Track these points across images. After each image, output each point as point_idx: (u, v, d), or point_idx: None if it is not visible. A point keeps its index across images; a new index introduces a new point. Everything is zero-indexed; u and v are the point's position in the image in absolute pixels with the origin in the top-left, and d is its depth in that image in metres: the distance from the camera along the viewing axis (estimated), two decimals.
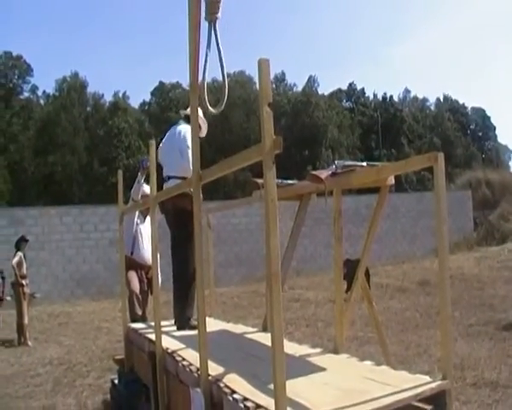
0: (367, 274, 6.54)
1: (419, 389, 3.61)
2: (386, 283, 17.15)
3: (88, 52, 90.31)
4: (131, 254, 8.61)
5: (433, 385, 3.68)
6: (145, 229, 8.59)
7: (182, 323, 6.72)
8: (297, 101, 61.73)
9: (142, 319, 8.29)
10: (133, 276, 8.49)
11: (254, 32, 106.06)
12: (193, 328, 6.13)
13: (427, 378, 3.88)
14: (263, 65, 3.02)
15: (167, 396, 5.29)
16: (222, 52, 4.39)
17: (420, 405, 3.63)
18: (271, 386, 3.05)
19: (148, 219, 7.99)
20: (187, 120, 7.12)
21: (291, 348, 5.21)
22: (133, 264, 8.53)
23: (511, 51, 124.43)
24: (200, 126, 6.24)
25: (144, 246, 8.61)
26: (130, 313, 8.28)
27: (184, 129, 6.90)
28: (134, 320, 8.11)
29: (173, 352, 5.27)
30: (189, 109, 7.26)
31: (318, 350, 5.29)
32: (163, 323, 5.80)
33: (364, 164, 5.19)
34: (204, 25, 4.33)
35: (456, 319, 10.49)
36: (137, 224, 8.75)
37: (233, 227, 21.84)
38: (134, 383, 6.61)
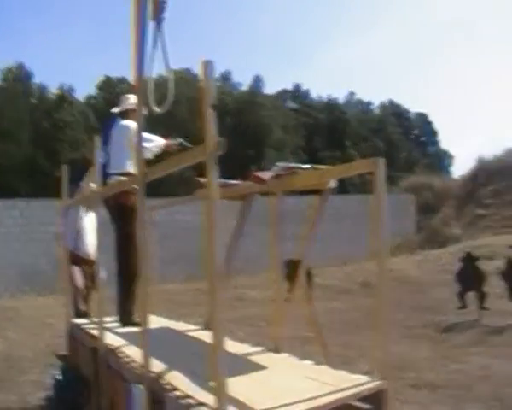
0: (310, 275, 6.58)
1: (358, 389, 3.69)
2: (329, 283, 17.27)
3: (34, 43, 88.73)
4: (75, 248, 8.58)
5: (372, 385, 3.77)
6: (89, 224, 8.54)
7: (125, 319, 6.74)
8: (242, 100, 61.58)
9: (86, 314, 8.25)
10: (77, 271, 8.45)
11: (202, 30, 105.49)
12: (135, 325, 6.15)
13: (366, 378, 3.97)
14: (206, 67, 3.08)
15: (109, 393, 5.29)
16: (168, 53, 4.41)
17: (359, 404, 3.71)
18: (213, 384, 3.10)
19: (92, 214, 7.98)
20: (122, 116, 7.18)
21: (232, 346, 5.25)
22: (77, 258, 8.49)
23: (454, 60, 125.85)
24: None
25: (88, 241, 8.54)
26: (73, 308, 8.24)
27: (127, 125, 6.91)
28: (78, 316, 8.06)
29: (116, 348, 5.29)
30: (122, 106, 7.32)
31: (259, 349, 5.35)
32: (106, 319, 5.81)
33: (307, 166, 5.26)
34: (150, 23, 4.36)
35: (397, 321, 10.61)
36: (82, 218, 8.69)
37: (177, 224, 21.69)
38: (76, 379, 6.57)
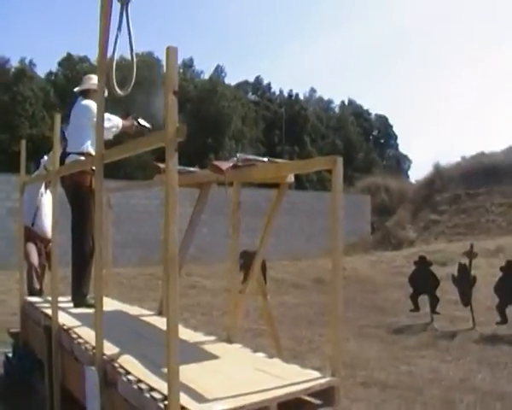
0: (263, 267, 6.60)
1: (309, 384, 3.70)
2: (282, 278, 17.32)
3: None
4: (32, 225, 8.50)
5: (323, 381, 3.78)
6: (48, 201, 8.46)
7: (78, 300, 6.69)
8: (203, 88, 61.37)
9: (40, 292, 8.18)
10: (32, 248, 8.38)
11: (167, 15, 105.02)
12: (89, 306, 6.11)
13: (318, 374, 3.97)
14: (171, 53, 3.05)
15: (62, 373, 5.26)
16: (132, 36, 4.38)
17: (309, 399, 3.72)
18: (165, 370, 3.10)
19: (49, 193, 7.92)
20: (84, 95, 7.12)
21: (186, 334, 5.26)
22: (33, 235, 8.43)
23: (415, 65, 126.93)
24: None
25: (46, 218, 8.46)
26: (27, 285, 8.17)
27: (87, 105, 6.85)
28: (31, 294, 8.00)
29: (69, 329, 5.26)
30: (83, 86, 7.25)
31: (212, 338, 5.34)
32: (60, 299, 5.75)
33: (266, 159, 5.26)
34: (116, 5, 4.31)
35: (349, 319, 10.67)
36: (42, 195, 8.62)
37: (132, 208, 21.58)
38: (28, 357, 6.53)
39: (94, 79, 6.93)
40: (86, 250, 6.60)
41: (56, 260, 5.62)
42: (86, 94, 7.15)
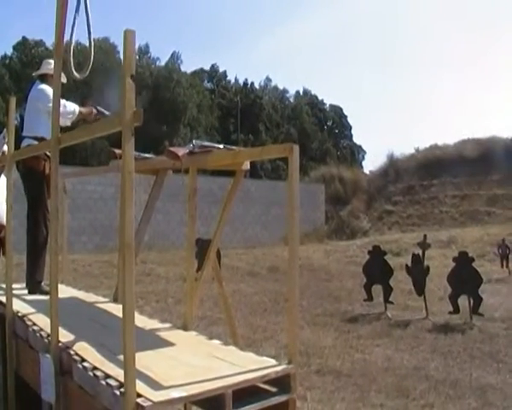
0: (218, 255, 6.61)
1: (265, 371, 3.69)
2: (237, 266, 17.38)
3: None
4: None
5: (279, 369, 3.77)
6: (1, 187, 8.35)
7: (33, 287, 6.60)
8: (159, 75, 61.12)
9: None
10: None
11: (123, 0, 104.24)
12: (44, 293, 6.07)
13: (273, 361, 3.97)
14: (128, 36, 3.02)
15: (16, 361, 5.19)
16: (90, 18, 4.33)
17: (265, 386, 3.72)
18: (121, 357, 3.08)
19: (4, 177, 7.79)
20: (41, 80, 7.03)
21: (141, 321, 5.22)
22: None
23: (369, 55, 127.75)
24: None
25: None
26: None
27: (43, 89, 6.77)
28: None
29: (24, 316, 5.18)
30: (41, 70, 7.15)
31: (168, 325, 5.32)
32: (14, 286, 5.68)
33: (221, 146, 5.25)
34: None
35: (304, 308, 10.75)
36: None
37: (88, 194, 21.44)
38: None
39: (52, 64, 6.85)
40: (41, 237, 6.51)
41: (11, 247, 5.55)
42: (44, 78, 7.07)
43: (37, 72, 7.30)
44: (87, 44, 4.58)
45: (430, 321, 9.98)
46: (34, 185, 6.57)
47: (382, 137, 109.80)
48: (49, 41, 51.55)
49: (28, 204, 6.79)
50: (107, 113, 7.17)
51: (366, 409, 5.84)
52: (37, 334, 4.59)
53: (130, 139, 3.00)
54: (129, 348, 2.96)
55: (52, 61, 6.74)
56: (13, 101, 5.64)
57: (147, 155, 6.26)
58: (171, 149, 5.30)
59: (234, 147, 5.44)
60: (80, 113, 7.06)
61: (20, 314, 5.25)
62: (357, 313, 10.93)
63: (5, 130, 7.75)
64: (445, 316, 10.01)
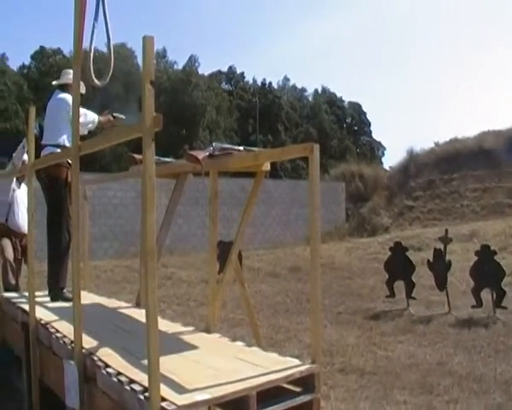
0: (239, 257, 6.64)
1: (289, 372, 3.72)
2: (258, 267, 17.32)
3: None
4: (6, 220, 8.46)
5: (303, 368, 3.80)
6: (21, 196, 8.41)
7: (55, 294, 6.65)
8: (177, 79, 61.10)
9: (16, 288, 8.14)
10: (7, 243, 8.33)
11: (139, 6, 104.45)
12: (67, 300, 6.13)
13: (297, 361, 4.00)
14: (147, 42, 3.05)
15: (40, 368, 5.23)
16: (109, 26, 4.35)
17: (289, 387, 3.73)
18: (145, 362, 3.12)
19: (24, 187, 7.86)
20: (61, 89, 7.08)
21: (164, 325, 5.28)
22: (7, 231, 8.38)
23: (386, 52, 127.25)
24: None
25: (19, 213, 8.42)
26: (3, 281, 8.12)
27: (64, 98, 6.81)
28: (7, 289, 7.94)
29: (47, 323, 5.23)
30: (62, 80, 7.19)
31: (191, 329, 5.37)
32: (37, 293, 5.73)
33: (241, 148, 5.27)
34: None
35: (326, 307, 10.72)
36: (14, 190, 8.55)
37: (108, 200, 21.45)
38: (6, 353, 6.49)
39: (69, 74, 6.87)
40: (63, 244, 6.55)
41: (33, 255, 5.59)
42: (64, 88, 7.11)
43: (57, 81, 7.34)
44: (105, 51, 4.61)
45: (453, 316, 9.90)
46: (56, 193, 6.61)
47: (402, 132, 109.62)
48: (67, 49, 51.78)
49: (49, 212, 6.84)
50: (122, 116, 7.21)
51: (390, 407, 5.81)
52: (61, 341, 4.64)
53: (150, 145, 3.04)
54: (153, 352, 2.99)
55: (71, 71, 6.75)
56: (32, 111, 5.68)
57: (167, 160, 6.29)
58: (191, 152, 5.32)
59: (254, 148, 5.45)
60: (99, 122, 7.11)
61: (43, 322, 5.29)
62: (379, 310, 10.87)
63: (25, 139, 7.83)
64: (468, 310, 9.92)
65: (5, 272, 8.21)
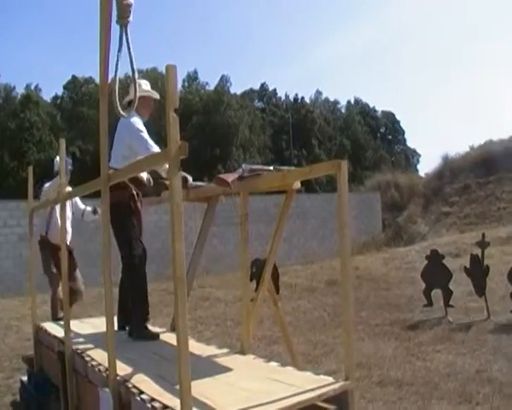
0: (276, 274, 6.66)
1: (322, 390, 3.72)
2: (295, 282, 17.27)
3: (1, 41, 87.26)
4: (46, 233, 8.59)
5: (336, 386, 3.81)
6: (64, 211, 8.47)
7: (137, 332, 6.17)
8: (209, 99, 61.40)
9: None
10: (56, 274, 8.45)
11: (170, 30, 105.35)
12: (151, 337, 6.00)
13: (331, 379, 4.00)
14: (170, 71, 3.09)
15: (77, 396, 5.30)
16: (133, 56, 4.41)
17: (324, 405, 3.74)
18: (178, 387, 3.14)
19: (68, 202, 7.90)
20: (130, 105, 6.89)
21: (198, 348, 5.31)
22: (47, 243, 8.51)
23: (419, 58, 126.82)
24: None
25: (58, 226, 8.35)
26: (52, 313, 8.23)
27: (132, 122, 6.17)
28: (56, 319, 8.02)
29: (82, 352, 5.29)
30: (129, 96, 6.69)
31: (225, 351, 5.39)
32: (73, 322, 5.80)
33: (271, 168, 5.30)
34: (115, 27, 4.33)
35: (363, 319, 10.72)
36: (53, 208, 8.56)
37: (145, 224, 21.53)
38: (44, 383, 6.55)
39: (143, 85, 6.48)
40: (141, 273, 6.36)
41: (67, 290, 5.67)
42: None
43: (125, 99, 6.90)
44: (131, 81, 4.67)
45: (492, 322, 9.81)
46: (121, 218, 6.04)
47: (437, 138, 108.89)
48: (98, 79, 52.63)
49: (117, 240, 6.33)
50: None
51: None
52: (96, 369, 4.69)
53: (176, 172, 3.06)
54: (184, 377, 3.01)
55: (142, 82, 6.43)
56: (62, 142, 5.75)
57: (198, 183, 6.27)
58: (221, 176, 5.36)
59: (283, 167, 5.47)
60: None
61: (78, 351, 5.36)
62: (417, 320, 10.80)
63: (47, 185, 7.95)
64: (508, 315, 9.82)
65: (54, 304, 8.31)
